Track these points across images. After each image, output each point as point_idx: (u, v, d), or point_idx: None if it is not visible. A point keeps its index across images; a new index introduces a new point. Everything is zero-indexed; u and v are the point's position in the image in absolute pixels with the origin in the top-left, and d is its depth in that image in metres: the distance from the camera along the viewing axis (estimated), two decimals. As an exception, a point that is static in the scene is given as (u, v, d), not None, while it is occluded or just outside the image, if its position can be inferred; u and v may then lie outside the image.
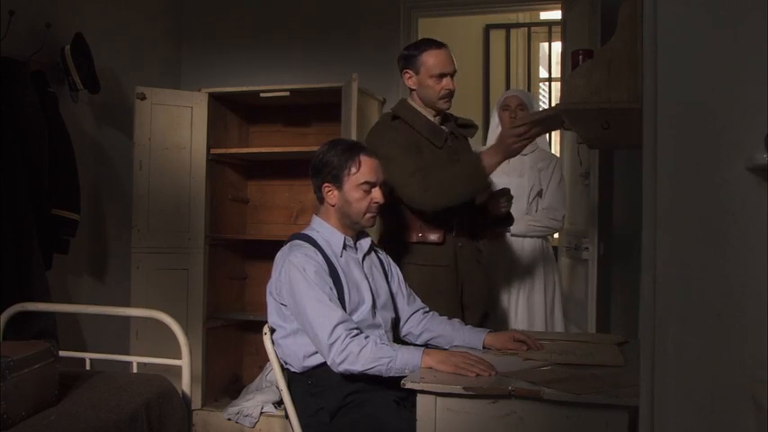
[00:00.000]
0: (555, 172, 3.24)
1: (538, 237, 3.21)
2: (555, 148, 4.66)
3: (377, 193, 2.11)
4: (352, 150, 2.11)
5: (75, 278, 3.33)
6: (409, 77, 2.48)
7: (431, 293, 2.38)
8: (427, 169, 2.33)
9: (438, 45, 2.46)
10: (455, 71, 2.47)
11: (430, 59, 2.44)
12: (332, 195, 2.11)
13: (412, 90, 2.51)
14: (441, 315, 2.29)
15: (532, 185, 3.17)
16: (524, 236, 3.17)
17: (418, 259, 2.44)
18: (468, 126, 2.65)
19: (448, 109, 2.53)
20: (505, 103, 3.22)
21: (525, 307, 3.16)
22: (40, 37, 3.00)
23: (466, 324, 2.28)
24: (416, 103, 2.51)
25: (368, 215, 2.12)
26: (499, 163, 2.29)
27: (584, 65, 1.83)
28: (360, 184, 2.08)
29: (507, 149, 2.25)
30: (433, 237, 2.43)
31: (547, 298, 3.21)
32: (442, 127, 2.52)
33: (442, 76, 2.43)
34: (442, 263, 2.44)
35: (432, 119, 2.50)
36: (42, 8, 3.08)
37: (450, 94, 2.46)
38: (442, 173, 2.34)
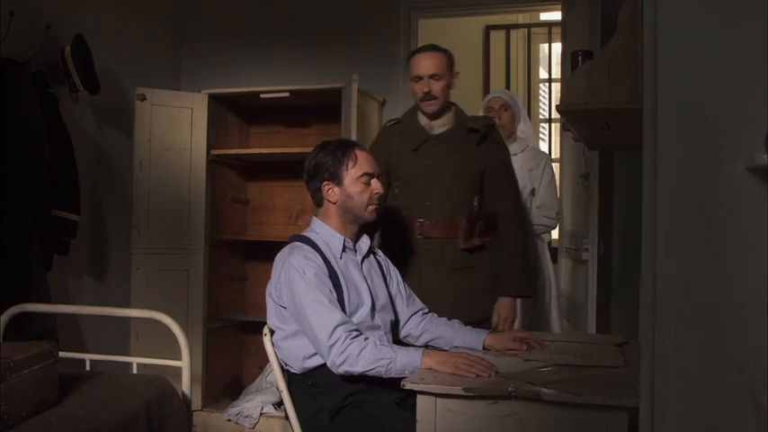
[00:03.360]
0: (546, 170, 3.25)
1: (534, 235, 3.21)
2: (555, 149, 4.64)
3: (376, 184, 2.13)
4: (345, 147, 2.13)
5: (75, 279, 3.32)
6: (405, 82, 2.61)
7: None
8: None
9: (425, 49, 2.53)
10: (435, 74, 2.47)
11: (412, 63, 2.53)
12: (332, 193, 2.12)
13: None
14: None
15: (524, 185, 3.17)
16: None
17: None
18: (476, 131, 2.57)
19: (431, 112, 2.55)
20: (489, 105, 3.21)
21: (522, 307, 3.16)
22: (40, 38, 2.99)
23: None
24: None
25: (370, 207, 2.13)
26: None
27: (584, 66, 1.83)
28: (359, 177, 2.10)
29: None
30: None
31: (544, 298, 3.21)
32: (426, 129, 2.55)
33: (418, 78, 2.49)
34: None
35: (424, 120, 2.56)
36: (42, 9, 3.07)
37: (427, 97, 2.50)
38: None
